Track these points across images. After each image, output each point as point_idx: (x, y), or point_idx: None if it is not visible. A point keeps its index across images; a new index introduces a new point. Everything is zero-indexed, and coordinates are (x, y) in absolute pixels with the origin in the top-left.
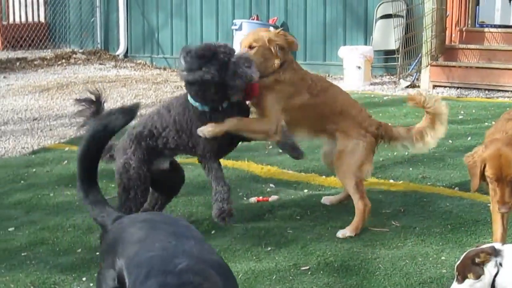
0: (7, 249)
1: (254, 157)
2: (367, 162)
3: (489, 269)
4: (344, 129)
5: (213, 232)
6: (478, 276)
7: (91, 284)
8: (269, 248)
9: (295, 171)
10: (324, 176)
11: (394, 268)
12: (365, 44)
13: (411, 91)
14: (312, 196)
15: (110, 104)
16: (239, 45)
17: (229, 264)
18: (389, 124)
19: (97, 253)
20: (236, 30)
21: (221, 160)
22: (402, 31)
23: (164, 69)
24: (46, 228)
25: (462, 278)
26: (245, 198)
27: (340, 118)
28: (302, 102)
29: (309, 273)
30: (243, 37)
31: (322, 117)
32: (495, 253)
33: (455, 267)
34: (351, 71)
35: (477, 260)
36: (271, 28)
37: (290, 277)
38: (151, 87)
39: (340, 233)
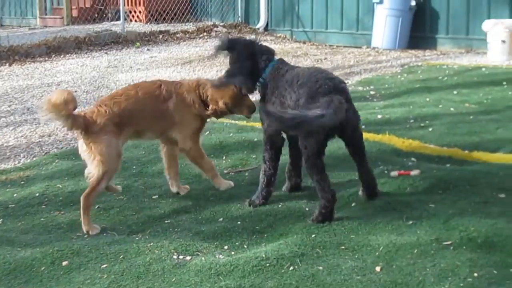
0: (152, 216)
1: (395, 130)
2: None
3: None
4: None
5: (353, 204)
6: None
7: (233, 253)
8: (411, 222)
9: (437, 145)
10: (467, 151)
11: None
12: (511, 17)
13: None
14: (454, 170)
15: None
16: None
17: (370, 237)
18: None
19: (238, 223)
20: (377, 3)
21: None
22: None
23: (304, 42)
24: (188, 197)
25: None
26: (386, 172)
27: None
28: None
29: (452, 248)
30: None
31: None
32: None
33: None
34: (495, 45)
35: None
36: None
37: (432, 252)
38: (291, 60)
39: None
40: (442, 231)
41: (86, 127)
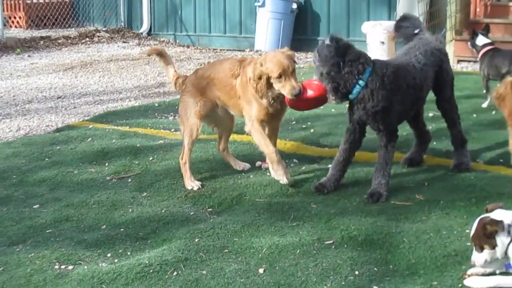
0: (32, 226)
1: None
2: None
3: (502, 239)
4: None
5: (237, 207)
6: (493, 247)
7: (116, 260)
8: (293, 223)
9: (318, 147)
10: None
11: (418, 242)
12: (389, 19)
13: None
14: None
15: (134, 82)
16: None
17: (253, 239)
18: None
19: (122, 230)
20: (259, 6)
21: (244, 136)
22: (426, 6)
23: (188, 46)
24: (70, 205)
25: (480, 248)
26: (268, 174)
27: None
28: None
29: (333, 247)
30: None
31: None
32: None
33: (471, 237)
34: (375, 46)
35: (486, 232)
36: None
37: (314, 251)
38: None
39: None
40: (324, 230)
41: None
